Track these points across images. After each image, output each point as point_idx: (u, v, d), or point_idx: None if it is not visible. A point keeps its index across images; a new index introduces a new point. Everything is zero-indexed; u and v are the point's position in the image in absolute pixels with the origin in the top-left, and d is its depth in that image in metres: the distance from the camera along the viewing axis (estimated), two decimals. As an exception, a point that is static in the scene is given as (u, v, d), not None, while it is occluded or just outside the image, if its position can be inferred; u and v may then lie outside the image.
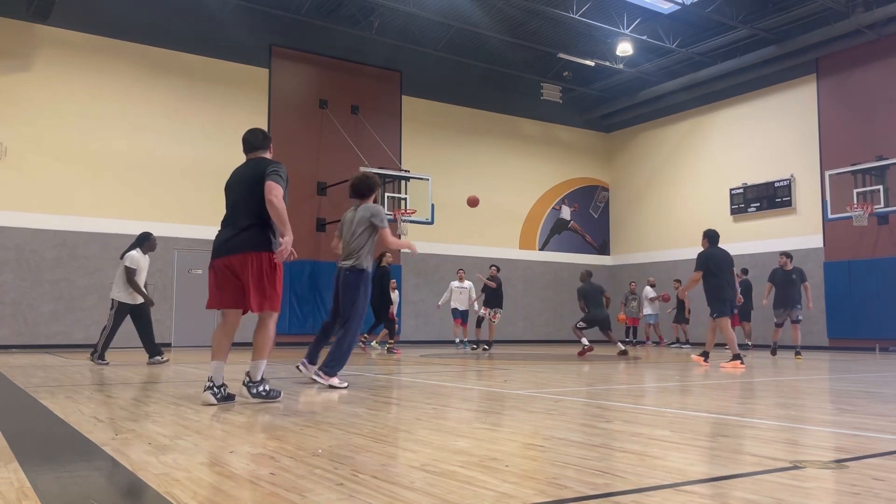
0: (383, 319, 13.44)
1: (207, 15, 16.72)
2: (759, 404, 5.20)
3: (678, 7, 16.34)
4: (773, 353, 12.89)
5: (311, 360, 6.77)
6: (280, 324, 17.96)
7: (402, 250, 17.54)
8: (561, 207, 22.28)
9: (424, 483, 2.47)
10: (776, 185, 18.30)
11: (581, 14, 16.57)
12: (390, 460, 2.92)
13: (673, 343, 18.78)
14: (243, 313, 5.11)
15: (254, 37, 17.39)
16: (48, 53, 15.16)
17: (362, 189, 6.61)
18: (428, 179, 16.77)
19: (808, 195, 17.70)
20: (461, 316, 16.19)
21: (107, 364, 9.41)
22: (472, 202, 10.18)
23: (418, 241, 17.72)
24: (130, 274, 9.42)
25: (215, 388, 4.89)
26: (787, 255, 12.53)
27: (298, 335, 17.34)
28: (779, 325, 12.65)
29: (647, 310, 19.37)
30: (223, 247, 5.00)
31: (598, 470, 2.69)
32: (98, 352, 9.61)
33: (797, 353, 12.07)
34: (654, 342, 19.87)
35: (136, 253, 9.60)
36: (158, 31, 16.29)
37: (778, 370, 9.26)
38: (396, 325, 14.23)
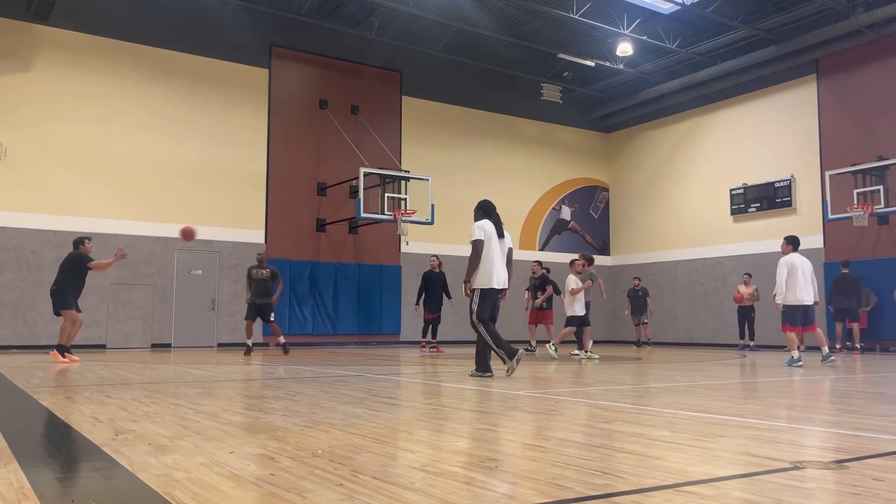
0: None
1: (207, 15, 16.72)
2: (759, 404, 5.20)
3: (678, 7, 16.33)
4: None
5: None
6: (280, 324, 18.12)
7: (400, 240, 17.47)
8: (561, 208, 22.27)
9: (424, 483, 2.47)
10: (776, 185, 18.30)
11: (581, 14, 16.56)
12: (390, 461, 2.92)
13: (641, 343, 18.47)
14: None
15: (254, 37, 17.38)
16: (48, 54, 15.16)
17: None
18: (428, 179, 16.76)
19: (808, 195, 17.70)
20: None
21: None
22: (188, 234, 10.31)
23: (418, 241, 17.78)
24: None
25: None
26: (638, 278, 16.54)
27: (299, 335, 17.35)
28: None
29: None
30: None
31: (598, 470, 2.69)
32: None
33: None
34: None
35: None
36: (158, 31, 16.29)
37: (778, 370, 9.27)
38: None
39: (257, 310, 12.41)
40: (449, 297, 14.27)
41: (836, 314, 15.26)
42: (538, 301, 13.95)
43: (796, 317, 9.95)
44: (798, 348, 9.99)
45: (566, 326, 12.05)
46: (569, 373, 8.61)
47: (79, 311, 10.45)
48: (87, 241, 10.86)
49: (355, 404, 4.93)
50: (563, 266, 21.29)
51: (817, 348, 10.57)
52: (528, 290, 14.70)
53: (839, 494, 2.34)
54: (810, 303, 9.94)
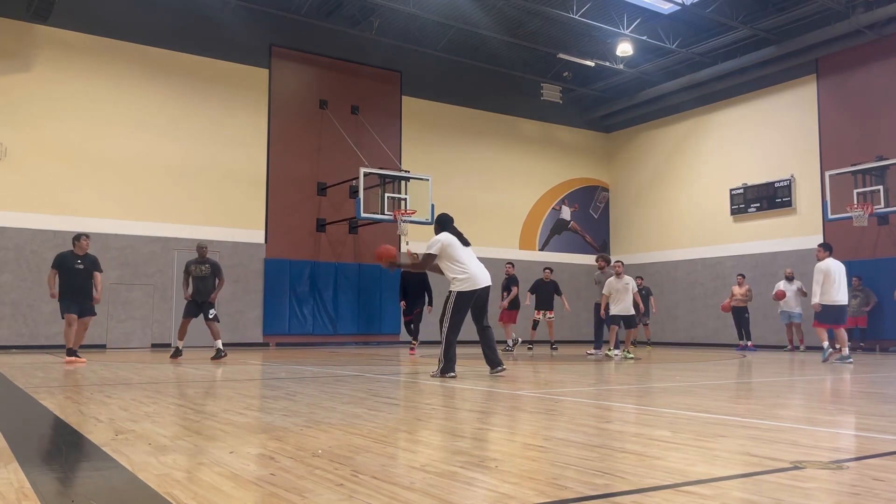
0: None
1: (207, 15, 16.72)
2: (759, 404, 5.20)
3: (678, 7, 16.33)
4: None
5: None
6: (280, 324, 18.05)
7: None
8: (561, 208, 22.28)
9: (424, 483, 2.47)
10: (776, 185, 18.29)
11: (581, 14, 16.56)
12: (390, 461, 2.92)
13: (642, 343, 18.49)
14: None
15: (254, 37, 17.38)
16: (48, 53, 15.16)
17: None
18: (428, 179, 16.76)
19: (808, 195, 17.70)
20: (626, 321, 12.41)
21: None
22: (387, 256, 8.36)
23: (418, 241, 17.75)
24: None
25: None
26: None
27: (299, 335, 17.36)
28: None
29: (794, 307, 15.90)
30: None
31: (599, 470, 2.69)
32: None
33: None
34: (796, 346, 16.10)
35: None
36: (158, 31, 16.29)
37: (777, 370, 9.27)
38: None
39: (198, 307, 11.02)
40: (430, 303, 13.07)
41: None
42: (503, 302, 14.49)
43: (829, 315, 10.77)
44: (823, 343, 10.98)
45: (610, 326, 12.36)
46: (569, 373, 8.61)
47: (73, 312, 10.24)
48: (83, 238, 10.50)
49: (355, 404, 4.93)
50: (563, 266, 21.35)
51: (819, 347, 11.06)
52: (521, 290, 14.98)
53: (839, 494, 2.35)
54: (844, 303, 10.85)
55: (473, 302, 7.46)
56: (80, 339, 10.41)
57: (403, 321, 13.67)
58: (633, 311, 12.18)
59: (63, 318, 10.30)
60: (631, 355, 12.00)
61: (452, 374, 7.31)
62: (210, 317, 11.07)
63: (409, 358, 11.76)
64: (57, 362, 10.11)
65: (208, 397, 5.48)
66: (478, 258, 7.72)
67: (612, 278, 12.19)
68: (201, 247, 11.34)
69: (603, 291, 12.33)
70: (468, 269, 7.43)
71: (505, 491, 2.36)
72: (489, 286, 7.54)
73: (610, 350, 12.10)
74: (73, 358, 10.08)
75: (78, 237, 10.55)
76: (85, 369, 8.65)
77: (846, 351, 10.71)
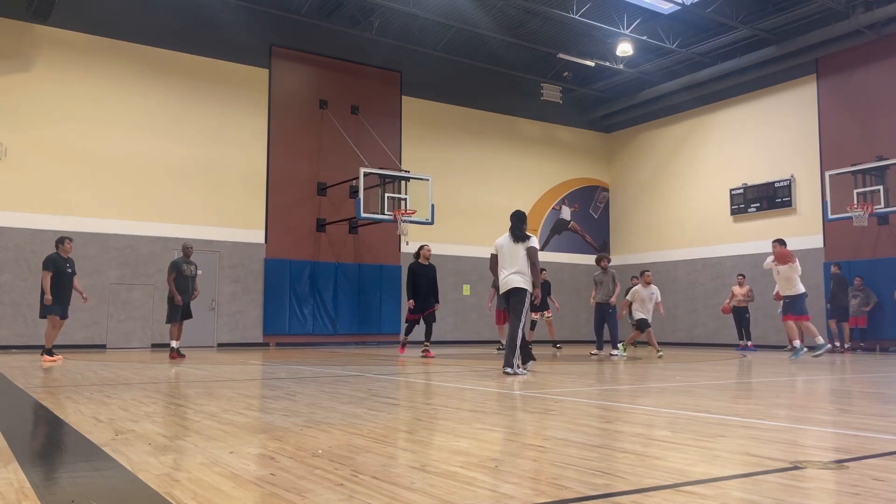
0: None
1: (207, 15, 16.72)
2: (759, 404, 5.20)
3: (678, 7, 16.33)
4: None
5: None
6: (280, 324, 18.03)
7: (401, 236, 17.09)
8: (561, 208, 22.27)
9: (424, 483, 2.47)
10: (776, 185, 18.29)
11: (581, 14, 16.56)
12: (390, 461, 2.92)
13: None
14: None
15: (254, 37, 17.38)
16: (48, 53, 15.15)
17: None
18: (428, 179, 16.76)
19: (808, 195, 17.70)
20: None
21: None
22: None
23: (418, 241, 17.77)
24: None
25: None
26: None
27: (299, 335, 17.35)
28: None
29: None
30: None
31: (599, 470, 2.69)
32: None
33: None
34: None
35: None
36: (158, 31, 16.29)
37: (777, 370, 9.27)
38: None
39: (187, 309, 11.18)
40: (436, 300, 12.14)
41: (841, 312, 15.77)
42: (489, 304, 14.43)
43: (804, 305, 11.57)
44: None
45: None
46: (569, 373, 8.61)
47: (59, 315, 10.41)
48: (66, 241, 10.55)
49: (355, 404, 4.93)
50: (563, 266, 21.36)
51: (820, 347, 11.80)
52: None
53: (839, 494, 2.35)
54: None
55: (505, 301, 8.32)
56: (53, 338, 10.63)
57: (407, 319, 12.20)
58: (650, 316, 13.08)
59: (46, 317, 10.42)
60: (659, 354, 12.60)
61: (511, 368, 7.75)
62: (190, 316, 11.43)
63: (426, 360, 10.93)
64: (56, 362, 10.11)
65: (208, 397, 5.48)
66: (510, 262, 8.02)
67: (638, 286, 13.09)
68: (189, 246, 11.49)
69: (627, 297, 13.32)
70: (501, 274, 8.06)
71: (505, 491, 2.36)
72: (510, 289, 7.96)
73: (658, 351, 12.70)
74: (52, 357, 10.25)
75: (62, 240, 10.56)
76: (85, 369, 8.65)
77: (821, 339, 11.35)
